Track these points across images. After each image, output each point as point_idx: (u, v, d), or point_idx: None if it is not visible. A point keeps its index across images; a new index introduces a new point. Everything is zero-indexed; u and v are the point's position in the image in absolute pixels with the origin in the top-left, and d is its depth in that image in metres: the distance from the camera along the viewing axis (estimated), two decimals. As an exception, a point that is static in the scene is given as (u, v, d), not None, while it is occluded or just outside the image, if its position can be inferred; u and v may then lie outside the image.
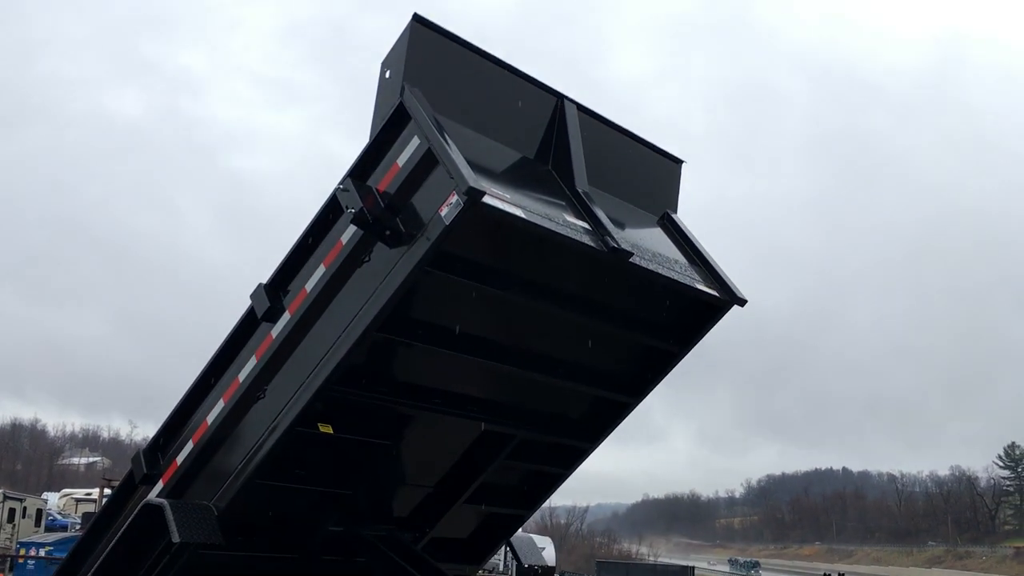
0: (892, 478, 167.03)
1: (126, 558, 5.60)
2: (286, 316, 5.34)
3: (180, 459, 5.69)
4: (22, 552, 26.72)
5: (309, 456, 5.55)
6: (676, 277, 5.67)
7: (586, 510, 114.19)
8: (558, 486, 6.82)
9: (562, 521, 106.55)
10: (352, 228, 5.05)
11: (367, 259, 5.03)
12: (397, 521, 6.39)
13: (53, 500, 54.66)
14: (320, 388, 5.06)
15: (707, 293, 5.86)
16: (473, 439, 6.23)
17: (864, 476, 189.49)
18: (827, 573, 26.93)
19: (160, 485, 5.74)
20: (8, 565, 21.55)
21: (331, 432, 5.43)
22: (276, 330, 5.37)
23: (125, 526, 5.63)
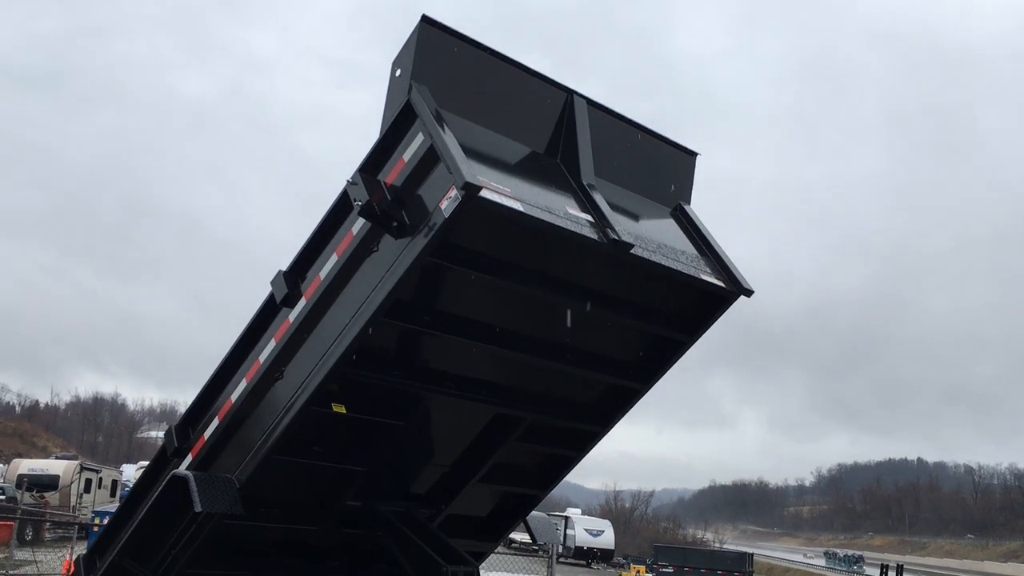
0: (969, 469, 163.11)
1: (156, 527, 6.01)
2: (303, 301, 5.65)
3: (207, 434, 6.06)
4: (96, 521, 28.00)
5: (325, 434, 5.87)
6: (680, 268, 5.81)
7: (651, 495, 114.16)
8: (571, 468, 7.03)
9: (627, 505, 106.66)
10: (361, 219, 5.32)
11: (376, 249, 5.30)
12: (414, 498, 6.69)
13: (129, 472, 56.82)
14: (332, 370, 5.36)
15: (713, 284, 5.98)
16: (485, 422, 6.48)
17: (939, 467, 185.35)
18: (885, 564, 26.60)
19: (189, 458, 6.12)
20: (81, 532, 22.59)
21: (344, 412, 5.74)
22: (293, 315, 5.68)
23: (154, 497, 6.04)
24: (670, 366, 6.47)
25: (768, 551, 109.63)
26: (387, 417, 6.03)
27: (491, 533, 7.28)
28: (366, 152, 5.46)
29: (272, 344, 5.78)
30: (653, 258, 5.66)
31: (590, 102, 6.04)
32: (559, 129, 5.88)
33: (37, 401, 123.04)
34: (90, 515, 25.81)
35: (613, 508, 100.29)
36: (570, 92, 5.95)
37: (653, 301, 6.12)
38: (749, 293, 6.13)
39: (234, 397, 5.95)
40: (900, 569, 26.11)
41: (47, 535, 32.07)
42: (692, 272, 5.90)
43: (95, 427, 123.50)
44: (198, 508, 5.44)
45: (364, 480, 6.27)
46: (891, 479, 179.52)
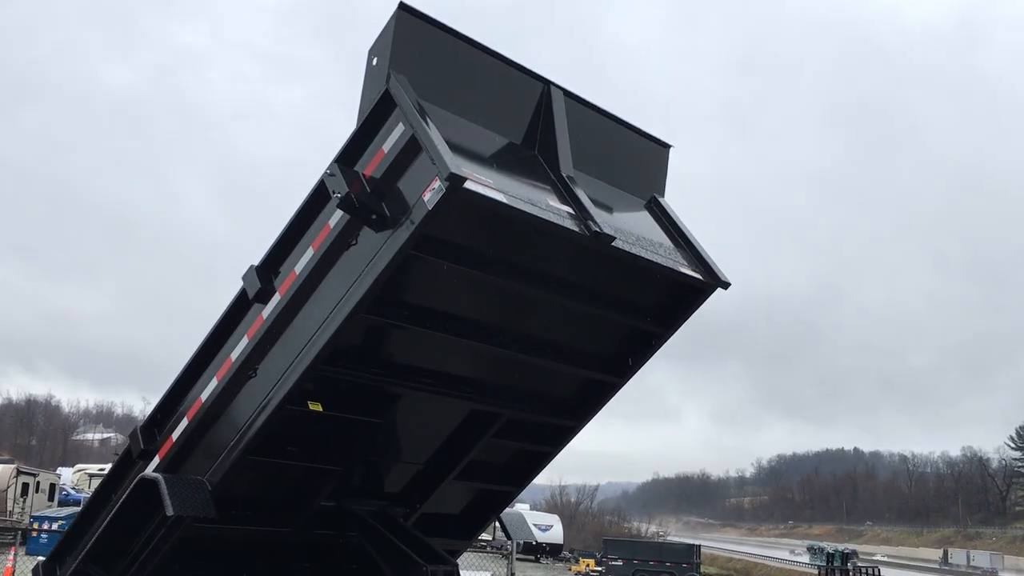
0: (903, 459, 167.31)
1: (123, 531, 5.80)
2: (276, 297, 5.49)
3: (176, 435, 5.86)
4: (35, 526, 27.20)
5: (300, 433, 5.71)
6: (659, 260, 5.78)
7: (596, 489, 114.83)
8: (546, 464, 6.97)
9: (572, 499, 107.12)
10: (339, 212, 5.18)
11: (354, 242, 5.16)
12: (388, 497, 6.56)
13: (67, 475, 55.40)
14: (308, 367, 5.21)
15: (690, 276, 5.96)
16: (461, 418, 6.38)
17: (875, 456, 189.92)
18: (829, 553, 27.15)
19: (156, 460, 5.92)
20: (21, 539, 21.89)
21: (320, 410, 5.59)
22: (267, 311, 5.52)
23: (122, 500, 5.82)
24: (647, 359, 6.44)
25: (719, 543, 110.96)
26: (363, 415, 5.89)
27: (465, 531, 7.18)
28: (343, 143, 5.32)
29: (244, 341, 5.61)
30: (633, 250, 5.62)
31: (567, 93, 5.97)
32: (536, 120, 5.80)
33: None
34: (28, 520, 24.98)
35: (559, 503, 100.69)
36: (547, 82, 5.88)
37: (631, 294, 6.08)
38: (726, 285, 6.13)
39: (204, 396, 5.76)
40: (845, 557, 26.73)
41: (-17, 542, 31.08)
42: (670, 264, 5.88)
43: (29, 430, 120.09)
44: (170, 512, 5.25)
45: (338, 479, 6.13)
46: (829, 469, 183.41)
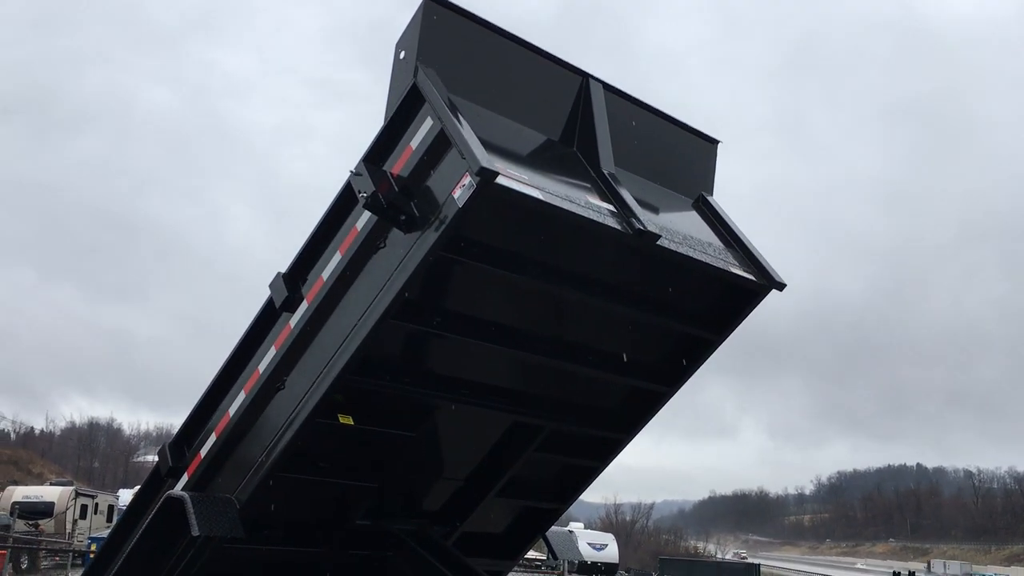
0: (969, 474, 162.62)
1: (151, 552, 5.58)
2: (304, 305, 5.24)
3: (204, 452, 5.63)
4: (92, 547, 27.42)
5: (331, 448, 5.45)
6: (709, 260, 5.42)
7: (652, 507, 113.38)
8: (593, 479, 6.61)
9: (627, 518, 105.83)
10: (367, 214, 4.93)
11: (383, 245, 4.90)
12: (427, 515, 6.26)
13: (125, 496, 56.09)
14: (337, 378, 4.94)
15: (743, 277, 5.59)
16: (502, 431, 6.06)
17: (939, 472, 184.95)
18: (896, 572, 26.20)
19: (185, 478, 5.69)
20: (77, 559, 22.06)
21: (352, 424, 5.32)
22: (295, 320, 5.27)
23: (150, 519, 5.60)
24: (698, 367, 6.07)
25: (781, 562, 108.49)
26: (397, 428, 5.61)
27: (508, 550, 6.84)
28: (369, 142, 5.07)
29: (272, 352, 5.36)
30: (680, 250, 5.27)
31: (606, 86, 5.65)
32: (575, 115, 5.50)
33: (32, 428, 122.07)
34: (86, 541, 25.19)
35: (614, 521, 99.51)
36: (586, 76, 5.57)
37: (679, 297, 5.72)
38: (781, 287, 5.74)
39: (232, 411, 5.52)
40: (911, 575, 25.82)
41: (43, 563, 31.48)
42: (721, 265, 5.51)
43: (91, 452, 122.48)
44: (195, 532, 5.01)
45: (373, 497, 5.85)
46: (891, 485, 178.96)
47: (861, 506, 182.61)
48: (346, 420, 5.30)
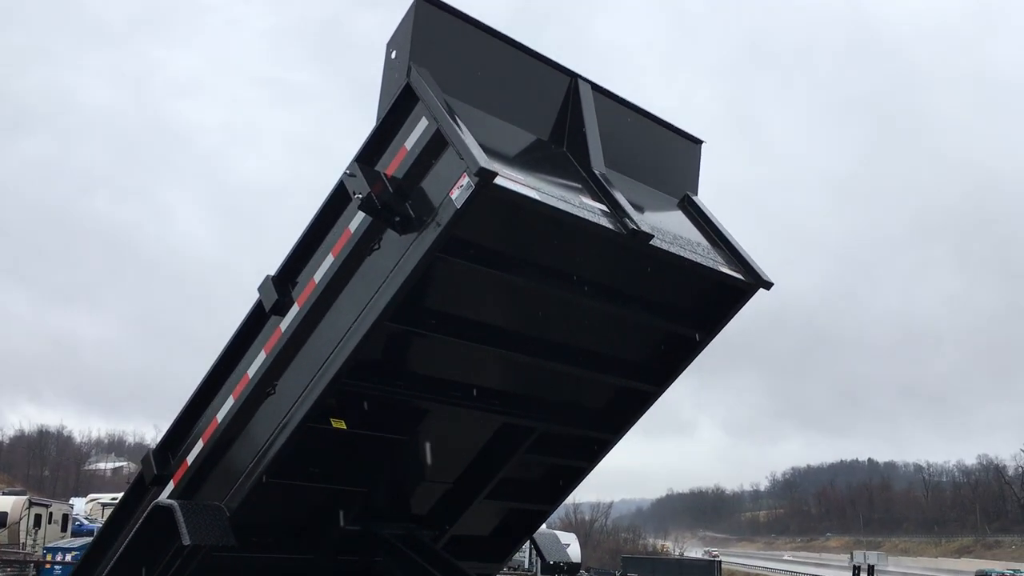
0: (919, 468, 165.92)
1: (137, 561, 5.45)
2: (295, 308, 5.16)
3: (191, 459, 5.52)
4: (48, 557, 26.82)
5: (323, 453, 5.38)
6: (699, 260, 5.45)
7: (610, 506, 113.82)
8: (581, 480, 6.61)
9: (586, 517, 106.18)
10: (360, 215, 4.87)
11: (377, 247, 4.84)
12: (415, 519, 6.20)
13: (80, 505, 54.97)
14: (331, 382, 4.88)
15: (731, 276, 5.63)
16: (492, 433, 6.03)
17: (890, 467, 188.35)
18: (857, 566, 26.66)
19: (171, 486, 5.58)
20: (35, 571, 21.58)
21: (344, 428, 5.26)
22: (285, 323, 5.19)
23: (136, 529, 5.47)
24: (685, 366, 6.09)
25: (740, 558, 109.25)
26: (388, 432, 5.56)
27: (496, 553, 6.81)
28: (361, 142, 5.01)
29: (262, 356, 5.27)
30: (672, 249, 5.29)
31: (595, 86, 5.66)
32: (564, 115, 5.50)
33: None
34: (41, 551, 24.65)
35: (573, 521, 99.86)
36: (574, 76, 5.57)
37: (669, 297, 5.75)
38: (768, 285, 5.79)
39: (220, 417, 5.42)
40: (871, 570, 26.24)
41: (-5, 575, 30.74)
42: (711, 264, 5.54)
43: (41, 461, 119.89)
44: (186, 541, 4.90)
45: (363, 501, 5.78)
46: (844, 480, 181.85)
47: (815, 501, 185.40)
48: (338, 424, 5.23)
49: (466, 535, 6.51)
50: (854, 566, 27.48)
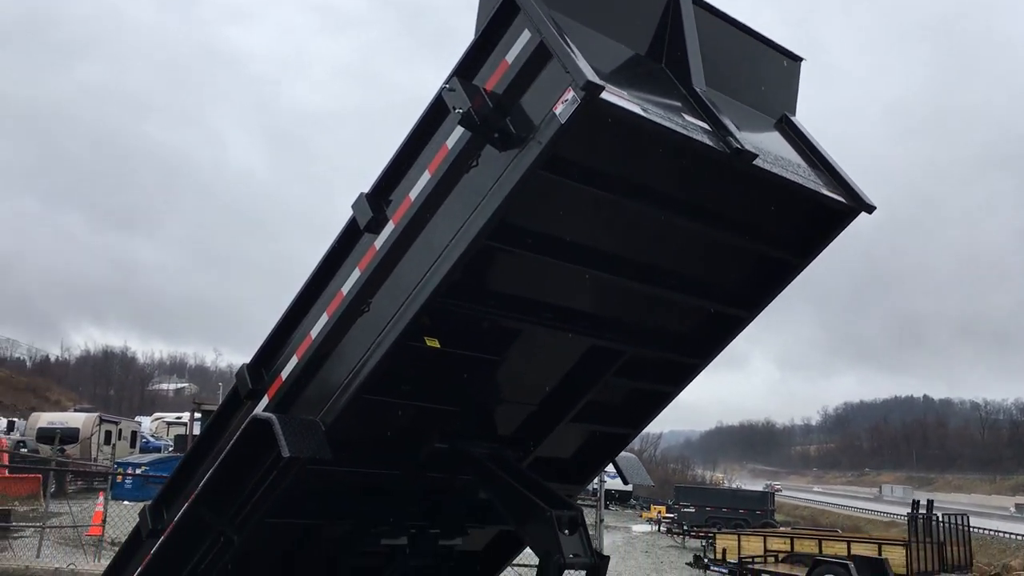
0: (975, 406, 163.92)
1: (234, 473, 5.56)
2: (390, 226, 5.12)
3: (285, 374, 5.58)
4: (120, 471, 27.85)
5: (415, 371, 5.39)
6: (801, 181, 5.28)
7: (660, 437, 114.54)
8: (665, 405, 6.57)
9: (636, 447, 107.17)
10: (458, 131, 4.78)
11: (475, 164, 4.76)
12: (501, 439, 6.23)
13: (146, 424, 56.87)
14: (426, 301, 4.86)
15: (833, 199, 5.46)
16: (580, 355, 6.00)
17: (946, 404, 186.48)
18: (916, 500, 26.47)
19: (265, 400, 5.65)
20: (109, 484, 22.43)
21: (438, 347, 5.25)
22: (379, 241, 5.16)
23: (232, 441, 5.58)
24: (779, 292, 5.98)
25: (800, 493, 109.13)
26: (480, 351, 5.54)
27: (578, 475, 6.84)
28: (460, 55, 4.90)
29: (356, 274, 5.27)
30: (774, 170, 5.12)
31: (695, 0, 5.44)
32: (662, 30, 5.30)
33: (47, 355, 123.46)
34: (112, 466, 25.62)
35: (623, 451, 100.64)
36: None
37: (766, 220, 5.59)
38: (871, 209, 5.61)
39: (314, 333, 5.45)
40: (931, 505, 26.05)
41: (70, 487, 32.03)
42: (812, 186, 5.37)
43: (107, 381, 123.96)
44: (286, 453, 4.98)
45: (452, 420, 5.82)
46: (898, 417, 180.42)
47: (867, 437, 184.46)
48: (432, 343, 5.23)
49: (550, 457, 6.54)
50: (913, 500, 27.29)
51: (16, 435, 40.61)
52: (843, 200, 5.50)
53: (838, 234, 5.72)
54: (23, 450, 34.42)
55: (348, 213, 5.35)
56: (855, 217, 5.63)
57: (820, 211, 5.58)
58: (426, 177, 4.97)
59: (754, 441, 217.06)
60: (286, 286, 5.78)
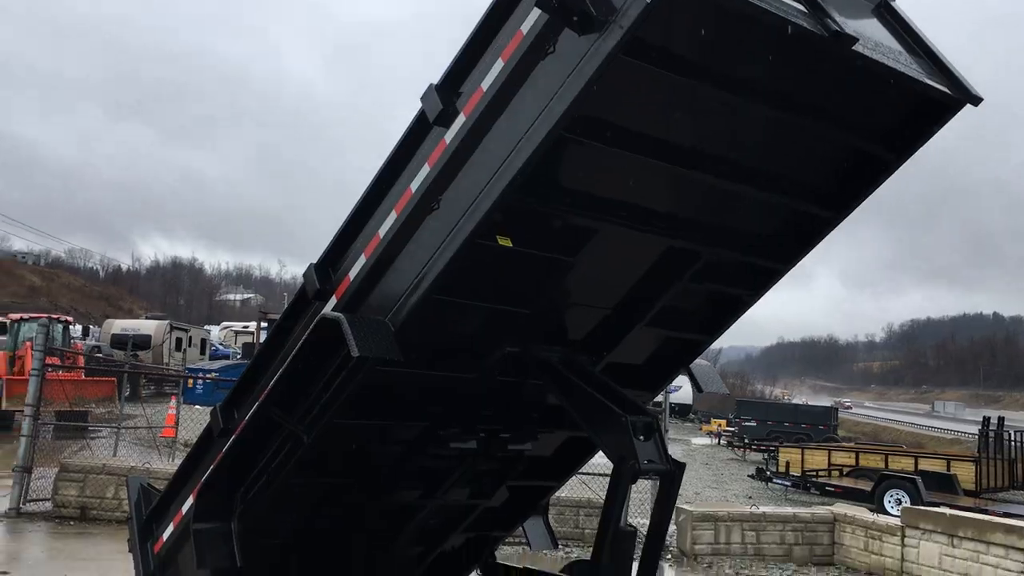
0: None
1: (303, 373, 5.50)
2: (460, 119, 4.87)
3: (352, 274, 5.44)
4: (191, 376, 28.65)
5: (487, 271, 5.20)
6: (903, 69, 4.88)
7: (720, 352, 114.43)
8: (743, 312, 6.29)
9: (696, 362, 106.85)
10: (534, 15, 4.47)
11: (551, 50, 4.45)
12: (573, 344, 6.05)
13: (215, 332, 58.32)
14: (499, 197, 4.62)
15: (936, 89, 5.05)
16: (656, 257, 5.75)
17: (1016, 321, 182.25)
18: (987, 417, 25.96)
19: (334, 300, 5.53)
20: (180, 388, 23.08)
21: (510, 245, 5.05)
22: (450, 135, 4.92)
23: (301, 341, 5.50)
24: (871, 191, 5.62)
25: (862, 409, 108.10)
26: (553, 252, 5.33)
27: (651, 382, 6.65)
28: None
29: (425, 170, 5.05)
30: (875, 56, 4.73)
31: None
32: None
33: (119, 266, 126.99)
34: (184, 371, 26.32)
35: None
36: None
37: (863, 111, 5.21)
38: (977, 101, 5.18)
39: (382, 232, 5.28)
40: (1001, 422, 25.52)
41: (143, 392, 33.10)
42: (914, 75, 4.96)
43: (176, 290, 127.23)
44: (355, 353, 4.86)
45: (524, 323, 5.65)
46: (965, 334, 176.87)
47: (933, 354, 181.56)
48: (505, 242, 5.02)
49: (622, 363, 6.36)
50: (984, 417, 26.75)
51: (91, 341, 41.91)
52: (948, 91, 5.09)
53: (939, 129, 5.32)
54: (98, 355, 35.53)
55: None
56: (959, 110, 5.21)
57: (921, 103, 5.18)
58: (499, 65, 4.68)
59: (815, 357, 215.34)
60: (349, 197, 5.59)
